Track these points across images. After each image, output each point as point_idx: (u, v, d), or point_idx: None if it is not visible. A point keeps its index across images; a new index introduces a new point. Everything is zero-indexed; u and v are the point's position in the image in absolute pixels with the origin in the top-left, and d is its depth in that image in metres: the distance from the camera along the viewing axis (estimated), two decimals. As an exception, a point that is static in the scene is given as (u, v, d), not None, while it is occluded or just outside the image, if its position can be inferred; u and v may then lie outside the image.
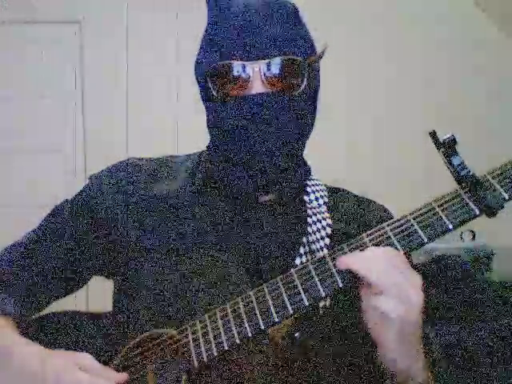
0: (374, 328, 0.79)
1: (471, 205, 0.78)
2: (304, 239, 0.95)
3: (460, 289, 1.76)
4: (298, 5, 0.98)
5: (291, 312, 0.82)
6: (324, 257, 0.83)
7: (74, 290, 1.05)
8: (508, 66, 3.31)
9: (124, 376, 0.86)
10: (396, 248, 0.80)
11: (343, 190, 1.07)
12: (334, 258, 0.82)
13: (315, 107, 0.99)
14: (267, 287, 0.84)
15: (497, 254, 2.22)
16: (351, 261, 0.79)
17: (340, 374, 0.91)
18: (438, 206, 0.80)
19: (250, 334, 0.83)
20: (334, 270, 0.81)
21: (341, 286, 0.81)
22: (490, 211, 0.78)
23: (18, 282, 1.00)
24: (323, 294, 0.81)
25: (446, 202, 0.80)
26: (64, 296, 1.04)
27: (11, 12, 3.19)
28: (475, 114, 3.29)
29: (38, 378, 0.84)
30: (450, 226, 0.79)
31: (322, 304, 0.90)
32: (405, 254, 0.80)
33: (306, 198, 1.00)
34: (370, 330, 0.80)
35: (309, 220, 0.97)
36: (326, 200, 1.02)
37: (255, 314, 0.83)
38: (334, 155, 3.05)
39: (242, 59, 0.90)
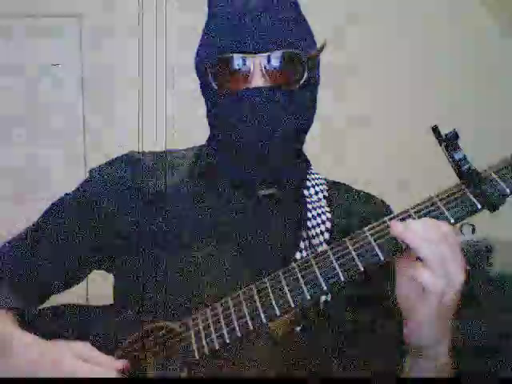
0: (408, 301, 0.79)
1: (473, 199, 0.78)
2: (304, 233, 0.95)
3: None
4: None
5: (292, 305, 0.82)
6: (326, 251, 0.83)
7: (74, 284, 1.05)
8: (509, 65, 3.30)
9: (123, 363, 0.86)
10: (397, 243, 0.80)
11: (343, 185, 1.07)
12: (335, 252, 0.82)
13: (315, 101, 0.99)
14: (269, 280, 0.84)
15: (497, 247, 2.22)
16: (401, 230, 0.78)
17: (340, 369, 0.92)
18: (440, 200, 0.80)
19: (251, 328, 0.83)
20: (335, 264, 0.81)
21: (343, 279, 0.80)
22: (492, 206, 0.78)
23: (17, 276, 1.00)
24: (325, 288, 0.81)
25: (447, 196, 0.80)
26: (64, 290, 1.05)
27: (11, 6, 3.18)
28: (477, 111, 3.28)
29: (36, 367, 0.84)
30: (452, 221, 0.79)
31: (323, 299, 0.90)
32: (405, 249, 0.80)
33: (305, 192, 1.00)
34: (403, 302, 0.80)
35: (308, 214, 0.97)
36: (326, 194, 1.02)
37: (256, 308, 0.83)
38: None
39: (242, 52, 0.90)
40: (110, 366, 0.85)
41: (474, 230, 0.81)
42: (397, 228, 0.78)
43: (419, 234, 0.77)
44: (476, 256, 1.95)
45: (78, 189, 1.04)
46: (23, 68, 3.25)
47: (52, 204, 1.05)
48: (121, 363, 0.86)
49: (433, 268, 0.76)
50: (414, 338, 0.81)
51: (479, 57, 3.23)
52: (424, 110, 3.17)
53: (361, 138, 3.04)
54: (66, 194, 1.05)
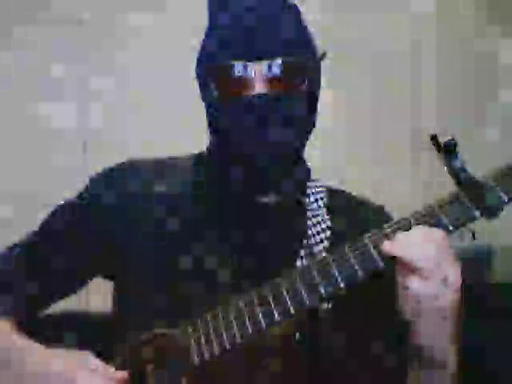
0: (407, 310, 0.80)
1: (471, 207, 0.79)
2: (304, 241, 0.95)
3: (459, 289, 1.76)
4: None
5: (292, 312, 0.82)
6: (325, 258, 0.83)
7: (75, 291, 1.05)
8: (508, 65, 3.31)
9: (124, 374, 0.86)
10: None
11: (343, 192, 1.07)
12: (334, 260, 0.82)
13: (315, 108, 0.99)
14: (268, 287, 0.84)
15: (497, 253, 2.23)
16: (389, 247, 0.80)
17: (339, 375, 0.92)
18: (439, 208, 0.80)
19: (251, 334, 0.83)
20: (335, 271, 0.81)
21: (342, 286, 0.81)
22: (490, 214, 0.79)
23: (18, 283, 1.00)
24: (324, 294, 0.81)
25: (446, 203, 0.80)
26: (65, 297, 1.04)
27: (13, 12, 3.19)
28: (475, 114, 3.29)
29: (39, 378, 0.84)
30: (450, 228, 0.80)
31: (324, 306, 0.90)
32: None
33: (305, 199, 1.01)
34: (403, 312, 0.81)
35: (308, 222, 0.97)
36: (326, 202, 1.02)
37: (256, 314, 0.83)
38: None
39: (243, 59, 0.90)
40: (111, 377, 0.84)
41: (474, 236, 0.82)
42: (385, 247, 0.80)
43: (404, 244, 0.78)
44: (475, 262, 1.95)
45: (78, 196, 1.04)
46: (23, 75, 3.27)
47: (52, 210, 1.05)
48: (122, 374, 0.86)
49: (422, 273, 0.77)
50: (421, 349, 0.81)
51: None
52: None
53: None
54: (66, 201, 1.05)
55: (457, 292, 0.78)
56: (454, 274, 0.78)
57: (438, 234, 0.79)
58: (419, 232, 0.79)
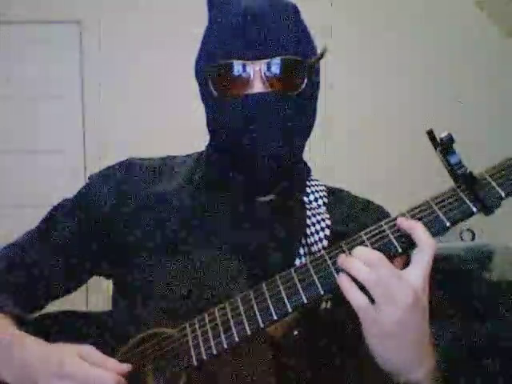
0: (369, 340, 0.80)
1: (468, 203, 0.79)
2: (303, 240, 0.96)
3: (460, 289, 1.76)
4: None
5: (290, 310, 0.82)
6: (323, 255, 0.83)
7: (73, 290, 1.06)
8: (508, 66, 3.32)
9: (126, 367, 0.85)
10: (394, 246, 0.80)
11: (343, 191, 1.07)
12: (331, 257, 0.82)
13: (315, 107, 0.99)
14: (266, 286, 0.84)
15: (497, 253, 2.22)
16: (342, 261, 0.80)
17: (337, 373, 0.92)
18: (436, 204, 0.80)
19: (249, 333, 0.83)
20: (332, 268, 0.81)
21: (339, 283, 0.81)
22: (487, 209, 0.79)
23: (16, 281, 1.00)
24: (321, 292, 0.81)
25: (443, 199, 0.80)
26: (62, 295, 1.05)
27: (11, 12, 3.20)
28: (475, 113, 3.30)
29: (39, 371, 0.84)
30: (448, 224, 0.79)
31: (323, 306, 0.90)
32: (403, 252, 0.80)
33: (305, 198, 1.01)
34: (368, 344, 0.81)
35: (308, 221, 0.97)
36: (326, 201, 1.02)
37: (254, 313, 0.83)
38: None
39: (242, 59, 0.90)
40: (113, 368, 0.84)
41: (473, 237, 0.81)
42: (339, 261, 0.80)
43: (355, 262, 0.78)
44: (475, 262, 1.95)
45: (77, 194, 1.05)
46: (23, 76, 3.27)
47: (52, 208, 1.05)
48: (124, 366, 0.85)
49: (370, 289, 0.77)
50: (379, 364, 0.81)
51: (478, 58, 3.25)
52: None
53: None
54: (66, 199, 1.06)
55: (404, 309, 0.77)
56: (392, 293, 0.77)
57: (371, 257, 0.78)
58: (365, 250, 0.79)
